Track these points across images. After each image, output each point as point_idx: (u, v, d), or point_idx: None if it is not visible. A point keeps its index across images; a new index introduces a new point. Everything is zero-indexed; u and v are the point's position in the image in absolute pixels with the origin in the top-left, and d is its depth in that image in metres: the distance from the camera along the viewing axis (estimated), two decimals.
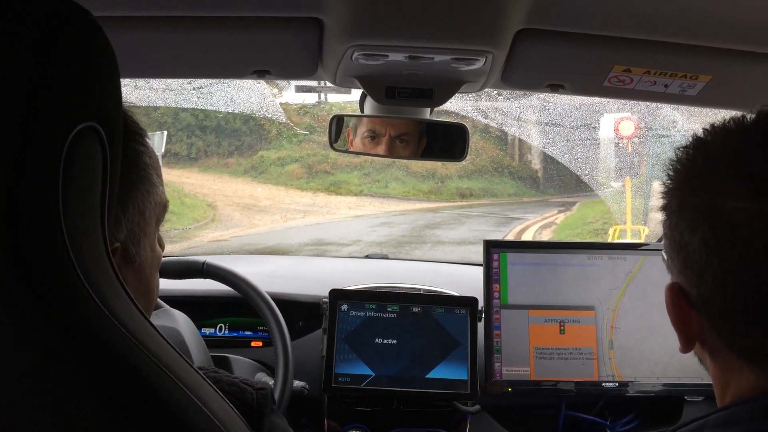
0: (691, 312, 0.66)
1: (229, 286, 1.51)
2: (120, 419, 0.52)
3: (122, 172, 0.56)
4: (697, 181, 0.65)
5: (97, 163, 0.51)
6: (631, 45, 1.05)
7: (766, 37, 1.00)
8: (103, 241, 0.53)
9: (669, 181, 0.69)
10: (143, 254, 0.73)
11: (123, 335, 0.52)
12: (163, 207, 0.76)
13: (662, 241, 0.77)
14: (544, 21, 1.01)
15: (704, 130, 0.68)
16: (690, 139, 0.69)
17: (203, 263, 1.51)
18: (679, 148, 0.69)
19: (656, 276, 1.62)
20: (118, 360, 0.51)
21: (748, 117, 0.65)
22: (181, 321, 1.40)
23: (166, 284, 1.60)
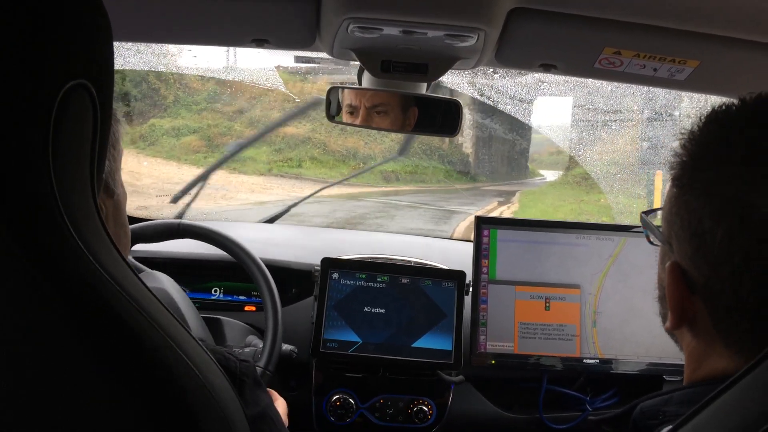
0: (691, 295, 0.64)
1: (211, 243, 1.55)
2: (102, 363, 0.56)
3: None
4: (728, 169, 0.60)
5: (88, 120, 0.54)
6: (621, 28, 1.06)
7: (753, 24, 1.01)
8: (92, 194, 0.56)
9: (685, 154, 0.65)
10: (119, 188, 0.76)
11: (108, 283, 0.55)
12: (122, 150, 0.79)
13: (656, 214, 0.74)
14: (536, 1, 1.02)
15: (737, 107, 0.63)
16: (717, 113, 0.64)
17: (179, 223, 1.55)
18: (703, 121, 0.65)
19: (637, 258, 1.65)
20: (102, 305, 0.55)
21: None
22: (167, 282, 1.43)
23: (162, 246, 1.65)
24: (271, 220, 2.24)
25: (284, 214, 2.24)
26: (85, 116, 0.53)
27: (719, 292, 0.61)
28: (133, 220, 1.91)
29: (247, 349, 1.49)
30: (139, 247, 1.63)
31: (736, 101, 0.65)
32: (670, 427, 0.54)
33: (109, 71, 0.57)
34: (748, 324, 0.60)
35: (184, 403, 0.59)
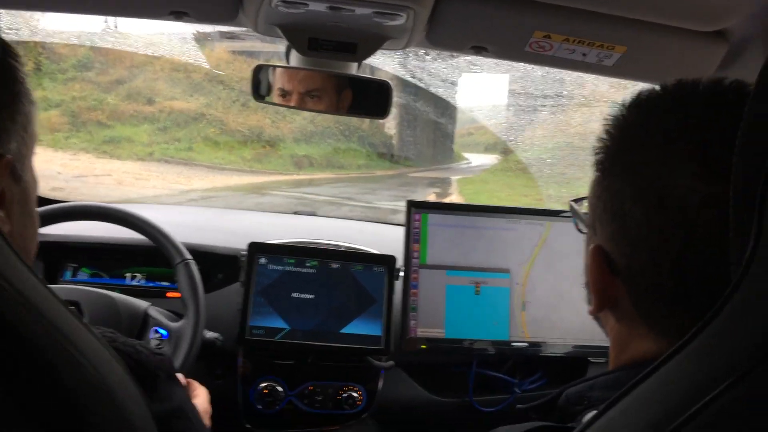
0: (613, 278, 0.65)
1: (124, 225, 1.49)
2: None
3: (5, 83, 0.59)
4: (649, 152, 0.61)
5: None
6: (551, 11, 1.05)
7: (677, 10, 1.02)
8: None
9: (609, 139, 0.66)
10: (28, 174, 0.70)
11: None
12: (37, 135, 0.73)
13: (583, 200, 0.74)
14: None
15: (659, 94, 0.64)
16: (641, 98, 0.65)
17: (90, 205, 1.50)
18: (626, 107, 0.66)
19: (564, 243, 1.67)
20: None
21: (701, 86, 0.62)
22: None
23: (75, 231, 1.57)
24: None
25: None
26: None
27: (639, 274, 0.62)
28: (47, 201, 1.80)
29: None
30: (51, 230, 1.54)
31: (658, 87, 0.65)
32: (595, 412, 0.54)
33: None
34: (666, 305, 0.61)
35: (72, 402, 0.54)
